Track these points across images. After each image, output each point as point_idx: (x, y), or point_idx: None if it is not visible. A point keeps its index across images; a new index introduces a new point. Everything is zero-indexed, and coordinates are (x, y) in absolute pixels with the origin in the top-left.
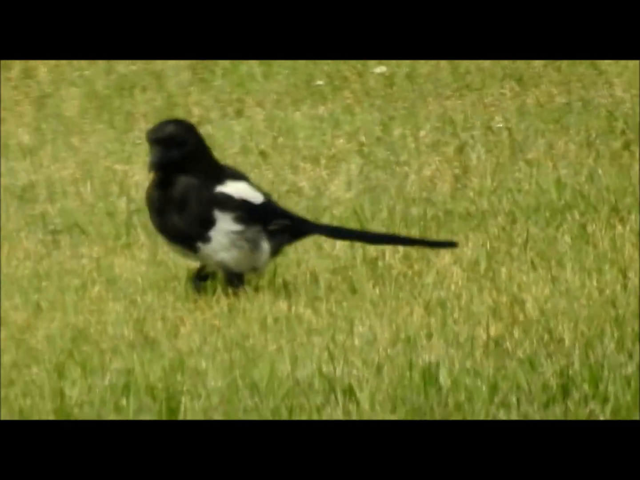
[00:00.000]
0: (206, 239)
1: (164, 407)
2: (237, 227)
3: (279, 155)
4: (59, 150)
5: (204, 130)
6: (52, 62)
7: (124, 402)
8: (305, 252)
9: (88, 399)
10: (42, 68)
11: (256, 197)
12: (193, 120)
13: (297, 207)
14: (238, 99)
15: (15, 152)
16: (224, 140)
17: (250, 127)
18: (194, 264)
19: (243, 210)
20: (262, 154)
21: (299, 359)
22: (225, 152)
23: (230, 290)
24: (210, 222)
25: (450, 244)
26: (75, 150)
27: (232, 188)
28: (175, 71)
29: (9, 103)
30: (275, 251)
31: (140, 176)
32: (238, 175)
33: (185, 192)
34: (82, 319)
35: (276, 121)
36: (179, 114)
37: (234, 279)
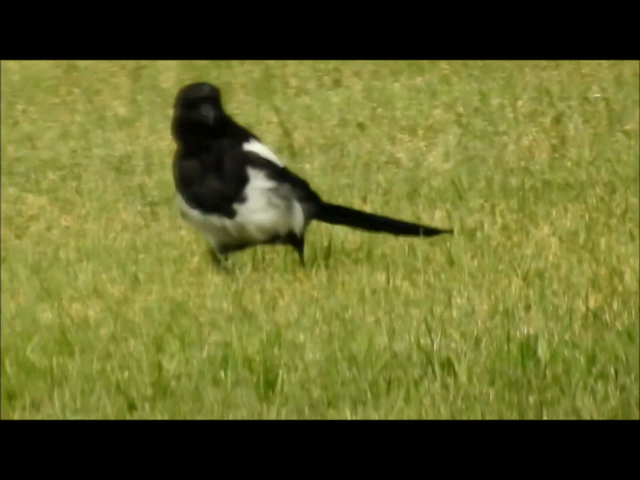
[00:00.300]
0: (243, 199)
1: (262, 380)
2: (270, 183)
3: (377, 127)
4: (156, 121)
5: (302, 101)
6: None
7: (221, 374)
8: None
9: (186, 371)
10: None
11: (277, 160)
12: (290, 91)
13: (395, 178)
14: (335, 69)
15: (112, 123)
16: (322, 112)
17: (347, 97)
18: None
19: (272, 168)
20: (360, 125)
21: (396, 331)
22: (323, 124)
23: (299, 259)
24: (244, 180)
25: (446, 231)
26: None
27: (258, 147)
28: None
29: (105, 75)
30: (308, 217)
31: None
32: (256, 137)
33: (219, 153)
34: (180, 292)
35: (374, 92)
36: (276, 85)
37: (298, 244)
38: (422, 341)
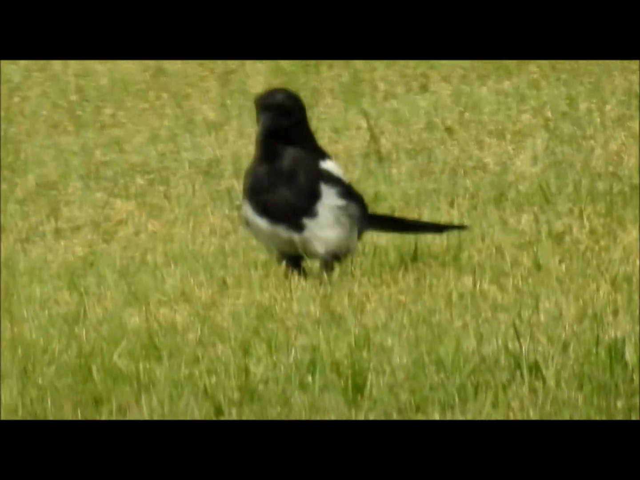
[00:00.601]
0: (313, 213)
1: (350, 384)
2: (341, 202)
3: (465, 131)
4: (245, 125)
5: (390, 105)
6: None
7: (309, 378)
8: (489, 226)
9: (273, 375)
10: None
11: (344, 178)
12: (379, 95)
13: (483, 182)
14: (423, 74)
15: (201, 127)
16: (410, 116)
17: (435, 102)
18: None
19: (342, 186)
20: (448, 129)
21: (484, 335)
22: (411, 128)
23: (324, 277)
24: (317, 196)
25: (461, 227)
26: None
27: (331, 164)
28: None
29: (194, 79)
30: (360, 234)
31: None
32: (328, 154)
33: (294, 163)
34: (267, 296)
35: (462, 96)
36: (365, 89)
37: (330, 264)
38: (509, 345)
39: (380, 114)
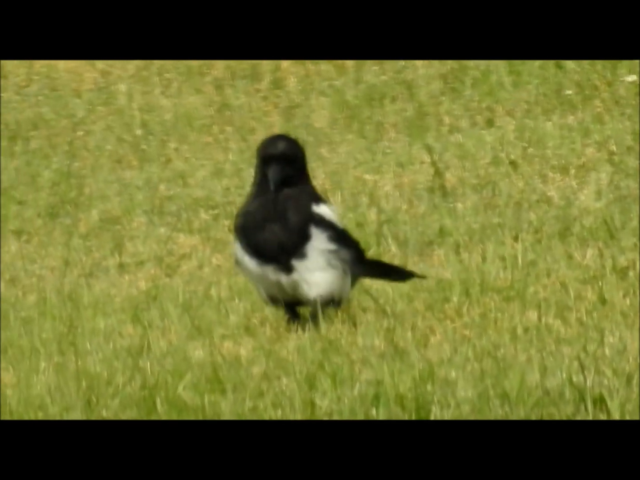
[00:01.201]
0: (302, 255)
1: (414, 417)
2: (332, 246)
3: (529, 165)
4: (309, 160)
5: (454, 139)
6: (302, 72)
7: (373, 412)
8: (554, 261)
9: (338, 409)
10: (292, 78)
11: (339, 223)
12: (443, 130)
13: (547, 216)
14: (488, 108)
15: None
16: (475, 150)
17: (500, 136)
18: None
19: (335, 230)
20: (512, 163)
21: (548, 368)
22: (476, 162)
23: (311, 324)
24: (306, 237)
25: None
26: (324, 161)
27: (325, 209)
28: (426, 81)
29: (259, 113)
30: (354, 280)
31: (390, 186)
32: (323, 198)
33: (286, 203)
34: (332, 330)
35: (526, 130)
36: (430, 123)
37: (319, 313)
38: (574, 378)
39: (444, 148)
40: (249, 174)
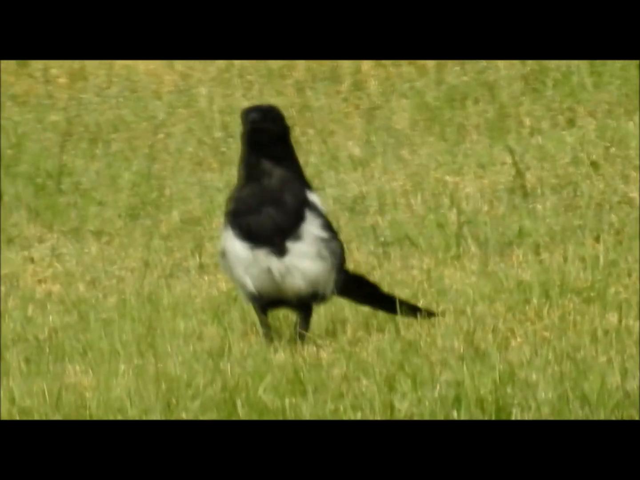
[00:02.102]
0: (297, 236)
1: (494, 420)
2: (324, 234)
3: (610, 166)
4: (389, 162)
5: (535, 140)
6: (382, 74)
7: (454, 414)
8: (635, 262)
9: (418, 411)
10: (372, 80)
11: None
12: (524, 131)
13: (629, 218)
14: (569, 109)
15: (346, 164)
16: (555, 151)
17: (581, 137)
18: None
19: (326, 220)
20: (593, 164)
21: (629, 370)
22: (557, 163)
23: (299, 337)
24: (301, 219)
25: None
26: (405, 162)
27: (315, 197)
28: (507, 82)
29: (339, 115)
30: (337, 281)
31: (471, 188)
32: (311, 185)
33: (281, 184)
34: (412, 331)
35: (608, 131)
36: (511, 124)
37: (307, 314)
38: None
39: (525, 149)
40: (329, 176)
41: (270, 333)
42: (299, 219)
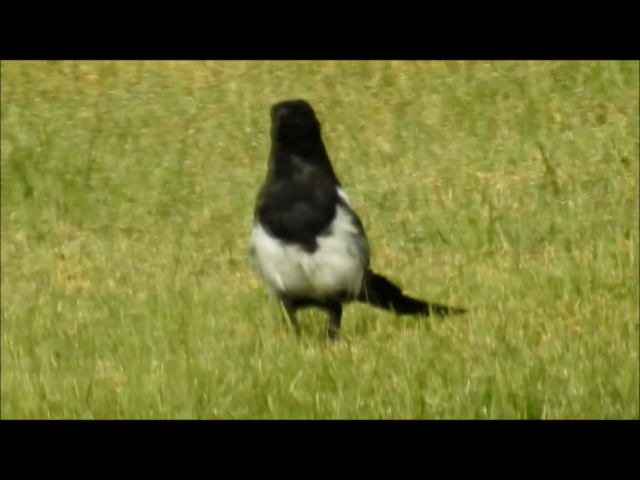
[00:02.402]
0: (327, 232)
1: (525, 415)
2: (354, 229)
3: None
4: (420, 157)
5: (566, 136)
6: (413, 69)
7: (484, 410)
8: None
9: (449, 407)
10: (403, 76)
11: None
12: (555, 127)
13: None
14: (599, 105)
15: (376, 159)
16: (586, 147)
17: (612, 133)
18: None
19: (355, 217)
20: (624, 161)
21: None
22: (587, 160)
23: (329, 335)
24: (332, 215)
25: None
26: (436, 158)
27: (344, 194)
28: (537, 78)
29: (369, 111)
30: (363, 280)
31: (502, 184)
32: (339, 182)
33: (312, 180)
34: (443, 327)
35: (638, 127)
36: (540, 120)
37: (338, 313)
38: None
39: (556, 145)
40: (359, 172)
41: (299, 330)
42: (330, 214)
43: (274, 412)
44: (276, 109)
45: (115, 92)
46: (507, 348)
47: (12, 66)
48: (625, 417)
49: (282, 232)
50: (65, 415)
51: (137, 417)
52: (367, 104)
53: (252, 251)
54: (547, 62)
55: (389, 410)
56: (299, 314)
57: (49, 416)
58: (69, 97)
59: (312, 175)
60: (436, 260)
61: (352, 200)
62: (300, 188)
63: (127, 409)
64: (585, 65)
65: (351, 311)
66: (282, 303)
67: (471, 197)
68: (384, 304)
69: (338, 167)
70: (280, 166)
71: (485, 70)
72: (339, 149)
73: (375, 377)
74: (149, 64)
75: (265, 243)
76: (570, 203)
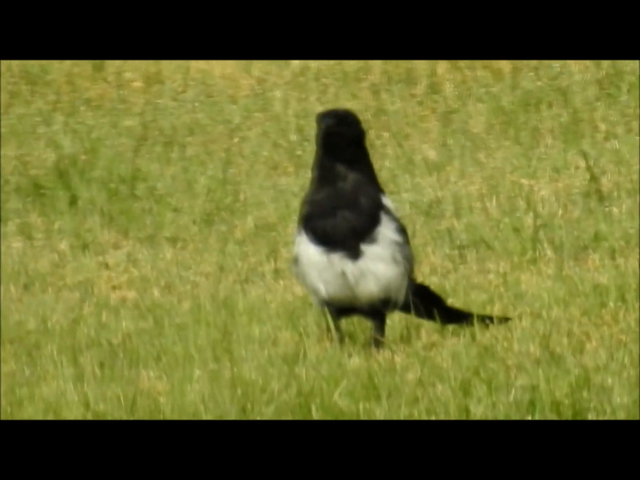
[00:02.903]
0: (372, 239)
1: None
2: (398, 237)
3: None
4: (466, 165)
5: (610, 145)
6: (459, 78)
7: (529, 418)
8: None
9: (492, 415)
10: (448, 84)
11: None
12: (599, 136)
13: None
14: None
15: (421, 168)
16: (630, 156)
17: None
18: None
19: (400, 224)
20: None
21: None
22: (631, 168)
23: (374, 343)
24: (377, 222)
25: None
26: (481, 166)
27: (389, 201)
28: (582, 86)
29: (414, 119)
30: (407, 289)
31: (546, 191)
32: (384, 190)
33: (356, 187)
34: (488, 335)
35: None
36: (585, 129)
37: (382, 321)
38: None
39: (600, 153)
40: (404, 180)
41: (343, 339)
42: (374, 221)
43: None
44: (321, 118)
45: (161, 100)
46: (552, 356)
47: (57, 74)
48: None
49: (326, 239)
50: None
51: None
52: (413, 112)
53: (296, 260)
54: (592, 70)
55: (433, 418)
56: (343, 323)
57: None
58: (113, 105)
59: (356, 183)
60: (481, 267)
61: (398, 208)
62: (344, 196)
63: (171, 418)
64: (630, 74)
65: (395, 320)
66: (326, 311)
67: (515, 204)
68: (428, 314)
69: (383, 175)
70: (325, 174)
71: (530, 79)
72: (385, 157)
73: (420, 385)
74: (194, 71)
75: (309, 251)
76: (615, 210)
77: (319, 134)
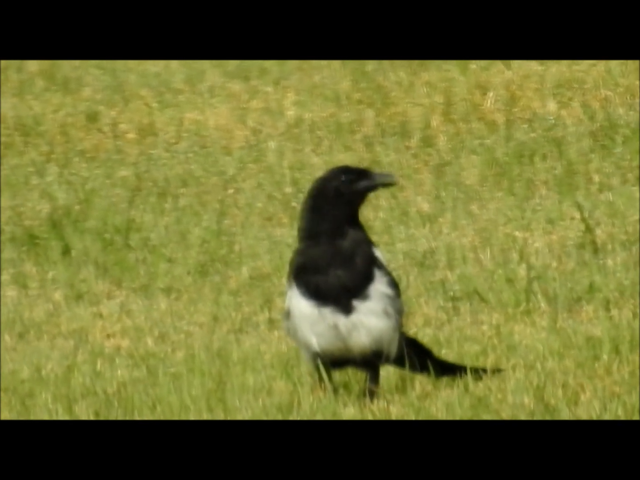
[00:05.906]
0: (364, 296)
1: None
2: (390, 291)
3: None
4: (459, 217)
5: (604, 197)
6: (452, 130)
7: None
8: None
9: None
10: (442, 137)
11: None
12: (593, 187)
13: None
14: (639, 166)
15: (415, 219)
16: (625, 208)
17: None
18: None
19: (391, 277)
20: None
21: None
22: (626, 219)
23: (368, 394)
24: (370, 279)
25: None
26: (474, 218)
27: (380, 254)
28: (576, 138)
29: (409, 171)
30: (399, 340)
31: (540, 243)
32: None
33: (355, 243)
34: (481, 386)
35: None
36: (579, 181)
37: (376, 372)
38: None
39: (594, 205)
40: (398, 231)
41: (336, 390)
42: (367, 279)
43: None
44: (338, 173)
45: (155, 151)
46: (546, 408)
47: (51, 125)
48: None
49: (318, 294)
50: None
51: None
52: (407, 164)
53: (287, 314)
54: (586, 122)
55: None
56: (337, 374)
57: None
58: (107, 156)
59: (354, 241)
60: (474, 319)
61: (392, 259)
62: (341, 253)
63: None
64: (625, 126)
65: (390, 370)
66: (318, 364)
67: (509, 256)
68: (421, 366)
69: (377, 226)
70: (324, 228)
71: (524, 131)
72: (378, 208)
73: None
74: (188, 122)
75: (301, 304)
76: (609, 262)
77: (329, 188)
